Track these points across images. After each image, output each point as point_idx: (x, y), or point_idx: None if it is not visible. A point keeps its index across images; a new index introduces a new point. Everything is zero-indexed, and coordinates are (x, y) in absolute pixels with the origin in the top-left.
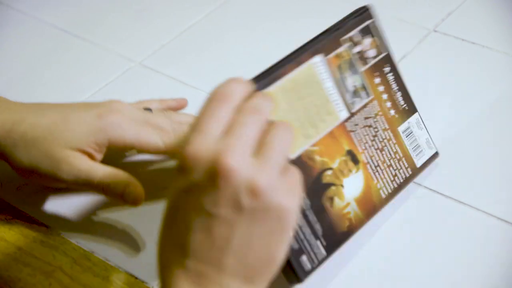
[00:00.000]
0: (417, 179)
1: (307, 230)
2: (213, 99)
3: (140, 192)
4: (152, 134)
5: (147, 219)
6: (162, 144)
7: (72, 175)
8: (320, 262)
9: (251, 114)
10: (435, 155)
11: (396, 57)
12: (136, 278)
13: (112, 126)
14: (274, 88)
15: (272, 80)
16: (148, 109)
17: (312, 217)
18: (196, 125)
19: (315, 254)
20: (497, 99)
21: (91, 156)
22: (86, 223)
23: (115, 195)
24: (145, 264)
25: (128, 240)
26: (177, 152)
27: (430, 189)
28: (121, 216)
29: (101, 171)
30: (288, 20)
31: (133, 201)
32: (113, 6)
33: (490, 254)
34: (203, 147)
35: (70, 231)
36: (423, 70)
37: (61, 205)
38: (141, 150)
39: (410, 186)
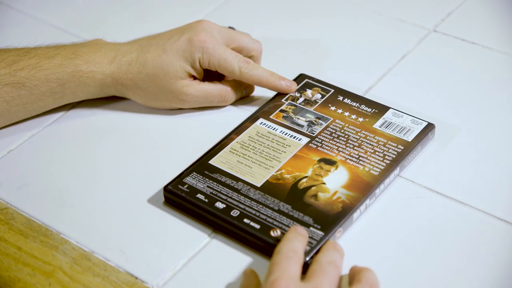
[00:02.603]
0: (417, 179)
1: (296, 225)
2: (283, 257)
3: (252, 86)
4: (232, 60)
5: (147, 219)
6: (238, 72)
7: (193, 100)
8: (320, 240)
9: (330, 265)
10: (429, 126)
11: (396, 57)
12: (136, 278)
13: (199, 49)
14: (226, 151)
15: (221, 147)
16: (231, 28)
17: (298, 214)
18: (277, 269)
19: (311, 237)
20: (497, 99)
21: (194, 77)
22: (86, 223)
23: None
24: (145, 264)
25: (128, 240)
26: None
27: (430, 189)
28: (122, 215)
29: (216, 89)
30: (288, 20)
31: (251, 92)
32: (113, 6)
33: (490, 254)
34: (292, 282)
35: (70, 231)
36: (423, 70)
37: (62, 205)
38: (220, 71)
39: (410, 186)
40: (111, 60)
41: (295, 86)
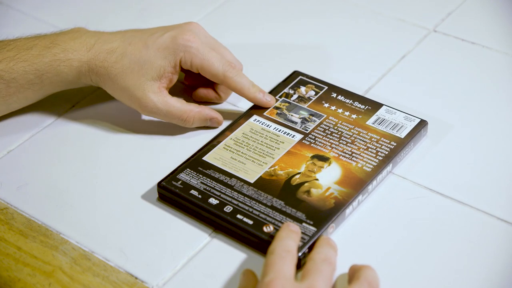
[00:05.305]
0: (415, 179)
1: (288, 220)
2: (277, 257)
3: (220, 118)
4: (216, 62)
5: (147, 218)
6: (222, 75)
7: (153, 110)
8: (312, 236)
9: (324, 263)
10: (421, 123)
11: (396, 57)
12: (136, 278)
13: (182, 48)
14: (219, 147)
15: (215, 144)
16: None
17: (290, 210)
18: (272, 270)
19: (303, 233)
20: (497, 99)
21: (170, 80)
22: (86, 223)
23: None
24: (145, 264)
25: (128, 240)
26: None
27: (430, 189)
28: (121, 216)
29: (180, 108)
30: (288, 20)
31: (217, 126)
32: (113, 6)
33: (490, 254)
34: (287, 282)
35: (70, 231)
36: (423, 70)
37: (62, 205)
38: (202, 73)
39: (410, 186)
40: (90, 47)
41: (273, 102)
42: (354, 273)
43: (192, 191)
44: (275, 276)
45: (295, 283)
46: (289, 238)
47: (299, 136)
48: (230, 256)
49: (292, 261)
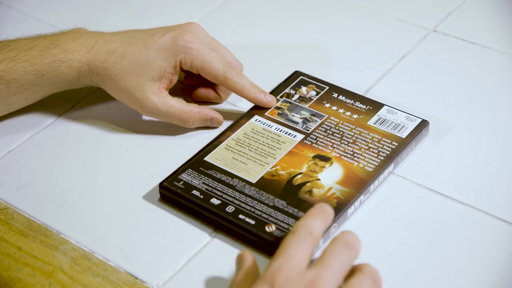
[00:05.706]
0: (417, 179)
1: (290, 220)
2: (295, 239)
3: (221, 118)
4: (216, 63)
5: (147, 218)
6: (222, 76)
7: (153, 110)
8: None
9: (344, 248)
10: (423, 123)
11: (396, 57)
12: (136, 278)
13: (182, 49)
14: (221, 147)
15: (216, 144)
16: None
17: (292, 210)
18: (283, 254)
19: None
20: (496, 99)
21: (170, 81)
22: (86, 223)
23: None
24: (145, 264)
25: (128, 240)
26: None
27: (430, 189)
28: (121, 216)
29: (180, 108)
30: (288, 20)
31: (218, 126)
32: (113, 6)
33: (490, 254)
34: (293, 272)
35: (70, 231)
36: (423, 70)
37: (62, 205)
38: (202, 74)
39: (410, 186)
40: (90, 48)
41: (274, 102)
42: (354, 270)
43: (194, 192)
44: (283, 263)
45: (301, 273)
46: (317, 218)
47: (300, 136)
48: (231, 256)
49: (311, 244)
